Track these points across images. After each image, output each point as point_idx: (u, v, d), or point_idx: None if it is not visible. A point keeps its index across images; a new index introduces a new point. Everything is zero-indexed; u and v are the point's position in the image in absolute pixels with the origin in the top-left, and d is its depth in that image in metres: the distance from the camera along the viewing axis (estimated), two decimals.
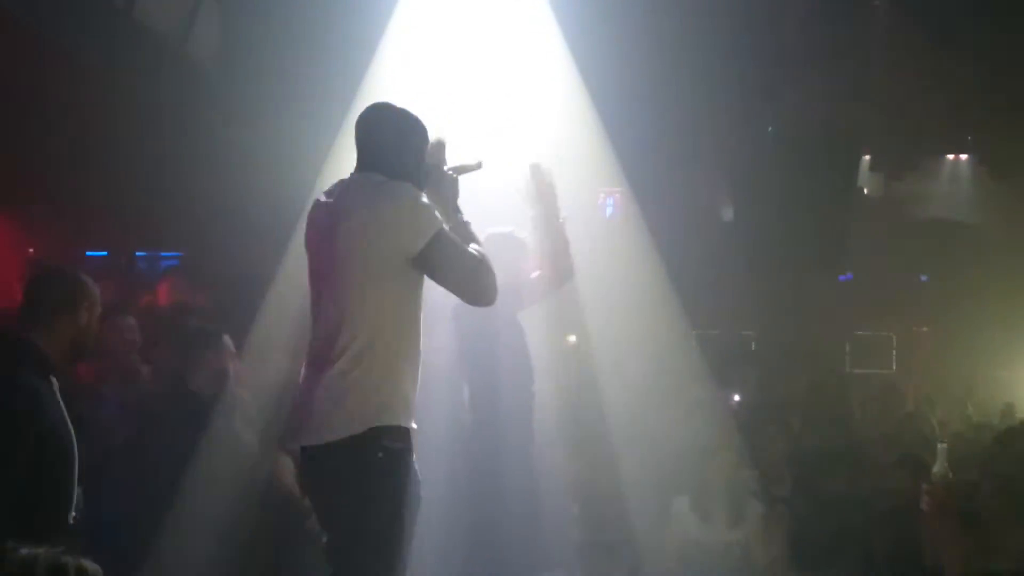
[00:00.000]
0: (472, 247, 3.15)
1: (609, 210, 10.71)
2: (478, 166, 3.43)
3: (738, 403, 6.45)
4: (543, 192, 4.32)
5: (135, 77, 6.55)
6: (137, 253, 8.90)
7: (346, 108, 5.91)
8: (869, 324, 12.07)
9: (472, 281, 3.11)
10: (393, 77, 6.17)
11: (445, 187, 3.24)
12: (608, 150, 7.31)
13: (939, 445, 4.21)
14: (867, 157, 10.20)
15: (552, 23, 6.72)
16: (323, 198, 3.19)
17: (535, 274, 4.57)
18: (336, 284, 3.04)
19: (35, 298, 3.23)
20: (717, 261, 11.06)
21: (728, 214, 11.08)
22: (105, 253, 8.71)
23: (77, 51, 6.06)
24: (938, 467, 4.14)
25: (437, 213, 3.08)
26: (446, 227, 3.08)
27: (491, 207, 4.41)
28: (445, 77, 6.13)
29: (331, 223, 3.07)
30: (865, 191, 10.83)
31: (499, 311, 4.18)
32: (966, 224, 11.92)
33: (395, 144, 3.15)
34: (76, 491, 3.10)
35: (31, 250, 7.52)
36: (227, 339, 4.55)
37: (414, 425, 3.12)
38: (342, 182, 3.22)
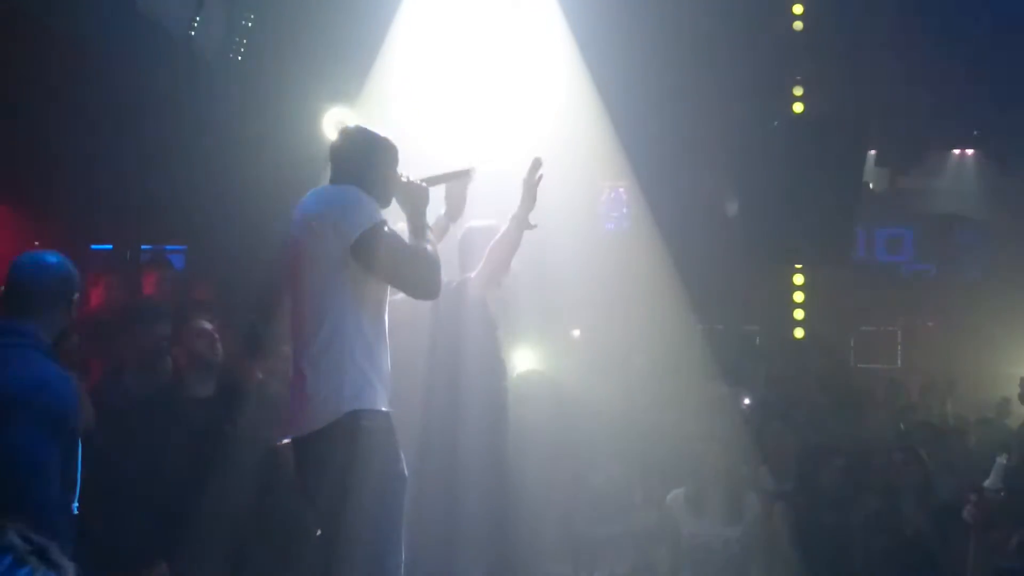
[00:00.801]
0: (417, 243, 3.32)
1: (614, 207, 10.72)
2: (469, 173, 3.55)
3: (748, 405, 6.40)
4: (530, 188, 4.27)
5: (140, 70, 6.54)
6: (142, 247, 8.87)
7: (352, 100, 5.93)
8: (874, 319, 12.05)
9: (405, 272, 3.30)
10: (399, 69, 6.17)
11: (412, 196, 3.43)
12: (614, 144, 7.30)
13: (997, 459, 4.08)
14: (873, 152, 10.16)
15: (558, 14, 6.71)
16: (301, 203, 3.44)
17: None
18: (300, 284, 3.31)
19: (29, 288, 3.09)
20: (721, 255, 11.04)
21: (733, 208, 11.05)
22: (110, 247, 8.68)
23: (82, 44, 6.05)
24: (991, 481, 4.03)
25: (376, 211, 3.27)
26: (386, 224, 3.27)
27: (488, 197, 4.40)
28: (451, 70, 6.12)
29: (292, 232, 3.37)
30: (871, 186, 10.80)
31: (472, 301, 4.24)
32: (972, 219, 11.90)
33: (354, 161, 3.41)
34: (79, 482, 3.06)
35: (36, 243, 7.50)
36: (204, 324, 4.45)
37: (384, 408, 3.25)
38: (313, 190, 3.48)
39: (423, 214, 3.43)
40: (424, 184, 3.49)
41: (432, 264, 3.34)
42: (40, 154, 7.06)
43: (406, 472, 3.27)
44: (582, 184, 7.64)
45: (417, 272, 3.31)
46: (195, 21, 6.96)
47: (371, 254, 3.20)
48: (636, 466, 6.09)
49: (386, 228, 3.26)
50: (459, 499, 4.37)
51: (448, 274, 3.80)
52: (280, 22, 7.36)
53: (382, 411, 3.24)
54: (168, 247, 9.13)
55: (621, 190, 10.40)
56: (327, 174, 3.55)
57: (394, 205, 3.51)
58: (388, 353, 3.33)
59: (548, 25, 6.70)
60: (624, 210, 10.44)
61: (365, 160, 3.41)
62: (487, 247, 4.43)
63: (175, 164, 7.40)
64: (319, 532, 3.26)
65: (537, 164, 4.25)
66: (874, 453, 5.67)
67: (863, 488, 5.26)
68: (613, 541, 5.85)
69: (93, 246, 8.31)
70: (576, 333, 8.86)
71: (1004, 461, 4.02)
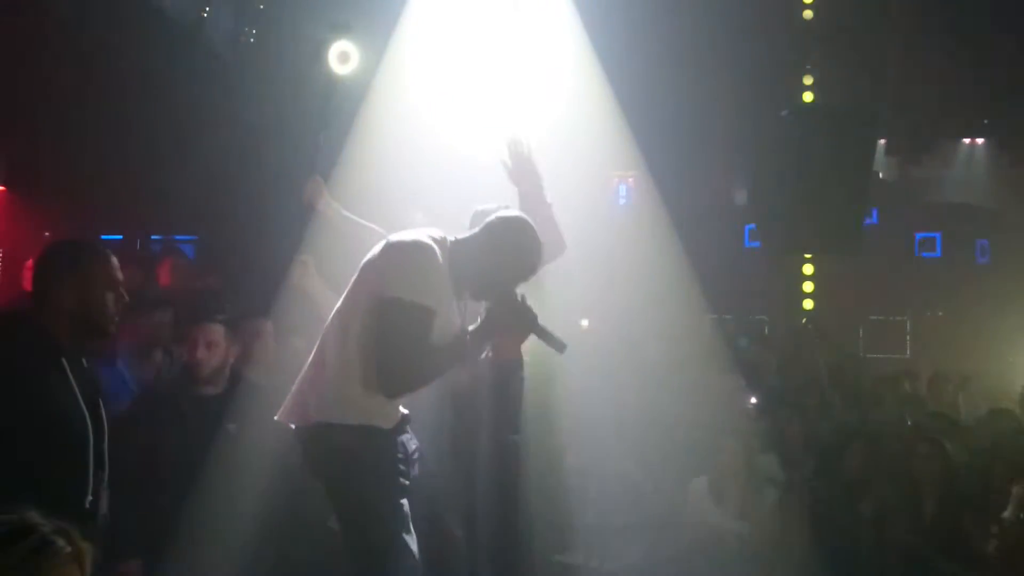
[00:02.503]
0: (439, 355, 3.17)
1: (623, 196, 10.71)
2: (561, 346, 3.38)
3: (755, 405, 6.38)
4: (522, 167, 4.07)
5: (151, 61, 6.55)
6: (152, 237, 8.91)
7: (364, 91, 5.92)
8: (883, 308, 12.02)
9: (390, 366, 3.12)
10: (410, 59, 6.15)
11: (505, 319, 3.26)
12: (623, 133, 7.28)
13: (1014, 489, 4.01)
14: (882, 141, 10.12)
15: (568, 3, 6.68)
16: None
17: None
18: (344, 298, 3.34)
19: (35, 275, 3.08)
20: (730, 245, 11.03)
21: (741, 197, 11.03)
22: (120, 237, 8.71)
23: (93, 36, 6.05)
24: (1010, 512, 3.99)
25: (433, 294, 3.14)
26: (427, 312, 3.11)
27: (486, 183, 4.37)
28: (460, 57, 6.10)
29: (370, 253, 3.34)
30: (880, 175, 10.76)
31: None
32: (982, 208, 11.84)
33: (494, 245, 3.27)
34: (93, 476, 3.00)
35: (47, 234, 7.53)
36: (216, 326, 4.37)
37: (376, 424, 3.25)
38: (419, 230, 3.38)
39: (487, 340, 3.29)
40: (525, 321, 3.29)
41: (419, 380, 3.21)
42: (50, 145, 7.08)
43: (401, 481, 3.28)
44: (591, 174, 7.62)
45: (397, 375, 3.14)
46: (204, 12, 6.96)
47: (383, 321, 3.12)
48: (648, 456, 6.09)
49: (422, 316, 3.11)
50: (476, 491, 4.37)
51: None
52: (289, 12, 7.35)
53: (358, 426, 3.20)
54: (178, 237, 9.16)
55: (630, 180, 10.39)
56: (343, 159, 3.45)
57: None
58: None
59: (557, 12, 6.68)
60: (632, 200, 10.44)
61: (503, 254, 3.27)
62: None
63: (185, 154, 7.41)
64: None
65: (514, 143, 4.00)
66: (886, 441, 5.64)
67: (879, 478, 5.24)
68: (625, 531, 5.86)
69: (103, 236, 8.31)
70: (585, 323, 8.85)
71: (1021, 491, 3.96)
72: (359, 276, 3.31)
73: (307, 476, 3.59)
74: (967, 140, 11.79)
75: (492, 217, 3.38)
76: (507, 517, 4.40)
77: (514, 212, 3.47)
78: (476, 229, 3.37)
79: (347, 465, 3.21)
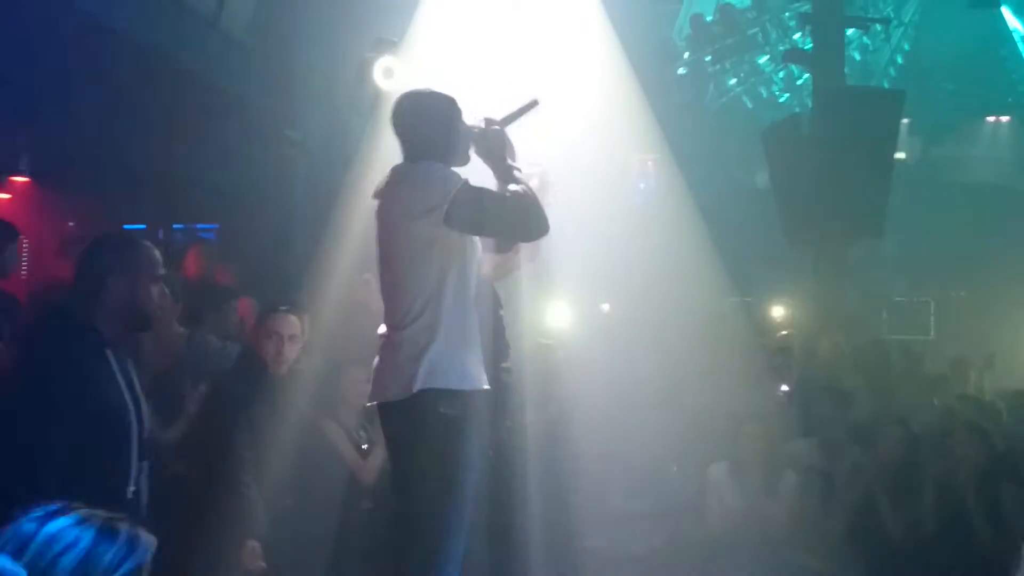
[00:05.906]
0: (512, 187, 3.27)
1: (643, 180, 10.66)
2: (534, 104, 3.46)
3: (785, 392, 6.34)
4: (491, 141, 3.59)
5: (170, 50, 6.55)
6: (174, 226, 8.94)
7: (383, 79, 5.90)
8: (906, 289, 11.93)
9: (504, 221, 3.26)
10: (429, 43, 6.13)
11: (488, 143, 3.37)
12: (644, 115, 7.23)
13: None
14: (905, 121, 10.00)
15: None
16: (378, 188, 3.44)
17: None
18: (390, 263, 3.35)
19: (80, 268, 3.09)
20: (751, 228, 10.96)
21: (762, 180, 10.93)
22: (143, 227, 8.75)
23: (112, 24, 6.05)
24: None
25: (451, 177, 3.24)
26: (466, 184, 3.22)
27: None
28: (481, 40, 6.08)
29: (381, 213, 3.38)
30: (903, 156, 10.64)
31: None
32: (1007, 188, 11.71)
33: (419, 128, 3.38)
34: (136, 466, 3.01)
35: (71, 224, 7.58)
36: (294, 318, 4.35)
37: (468, 388, 3.26)
38: (390, 171, 3.43)
39: (504, 159, 3.35)
40: (498, 128, 3.39)
41: (526, 202, 3.25)
42: (73, 135, 7.11)
43: (477, 459, 3.26)
44: (611, 157, 7.59)
45: (517, 216, 3.24)
46: (224, 1, 6.95)
47: (464, 214, 3.17)
48: (671, 441, 6.09)
49: (468, 188, 3.20)
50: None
51: None
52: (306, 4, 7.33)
53: (460, 392, 3.22)
54: (200, 226, 9.19)
55: (650, 163, 10.32)
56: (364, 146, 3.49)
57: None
58: (476, 326, 3.33)
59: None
60: (652, 183, 10.38)
61: (428, 127, 3.36)
62: None
63: (206, 143, 7.43)
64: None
65: (488, 120, 3.64)
66: (920, 426, 5.59)
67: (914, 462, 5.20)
68: (648, 516, 5.87)
69: (126, 226, 8.36)
70: (606, 307, 8.83)
71: None
72: (390, 236, 3.30)
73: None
74: (991, 118, 11.63)
75: (393, 116, 3.41)
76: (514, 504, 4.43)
77: (401, 95, 3.48)
78: (402, 143, 3.40)
79: (450, 434, 3.17)
